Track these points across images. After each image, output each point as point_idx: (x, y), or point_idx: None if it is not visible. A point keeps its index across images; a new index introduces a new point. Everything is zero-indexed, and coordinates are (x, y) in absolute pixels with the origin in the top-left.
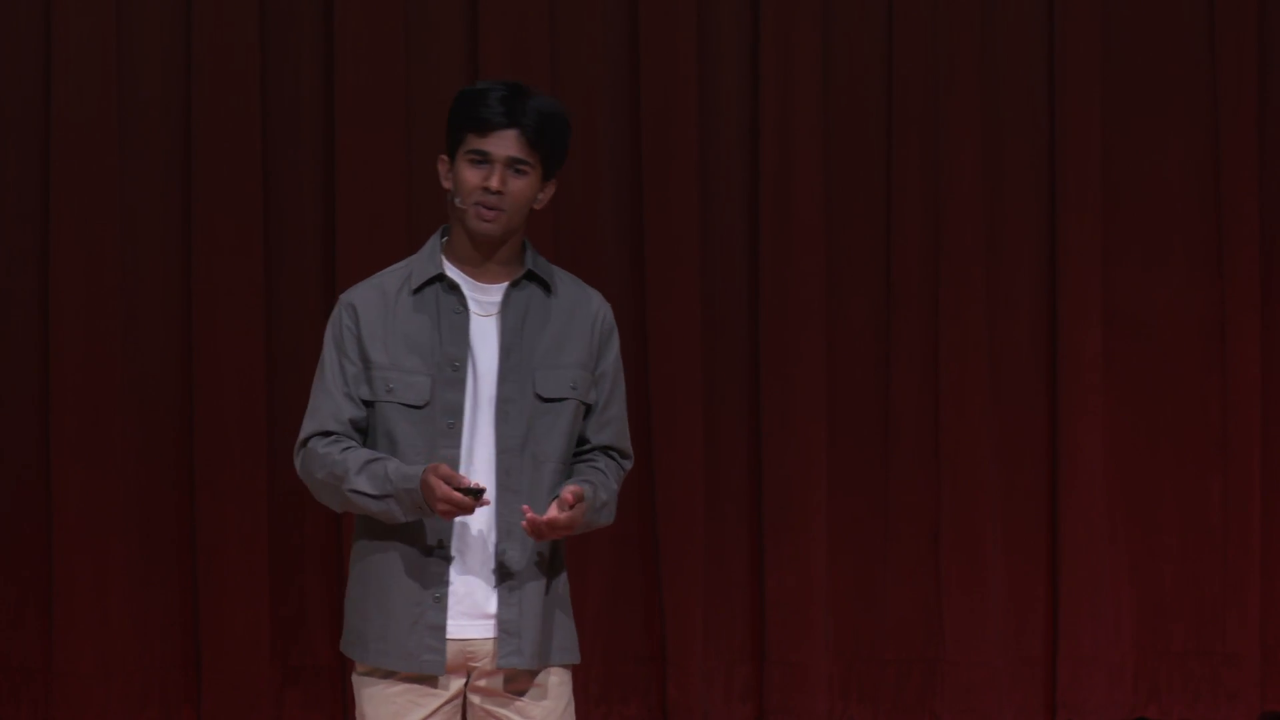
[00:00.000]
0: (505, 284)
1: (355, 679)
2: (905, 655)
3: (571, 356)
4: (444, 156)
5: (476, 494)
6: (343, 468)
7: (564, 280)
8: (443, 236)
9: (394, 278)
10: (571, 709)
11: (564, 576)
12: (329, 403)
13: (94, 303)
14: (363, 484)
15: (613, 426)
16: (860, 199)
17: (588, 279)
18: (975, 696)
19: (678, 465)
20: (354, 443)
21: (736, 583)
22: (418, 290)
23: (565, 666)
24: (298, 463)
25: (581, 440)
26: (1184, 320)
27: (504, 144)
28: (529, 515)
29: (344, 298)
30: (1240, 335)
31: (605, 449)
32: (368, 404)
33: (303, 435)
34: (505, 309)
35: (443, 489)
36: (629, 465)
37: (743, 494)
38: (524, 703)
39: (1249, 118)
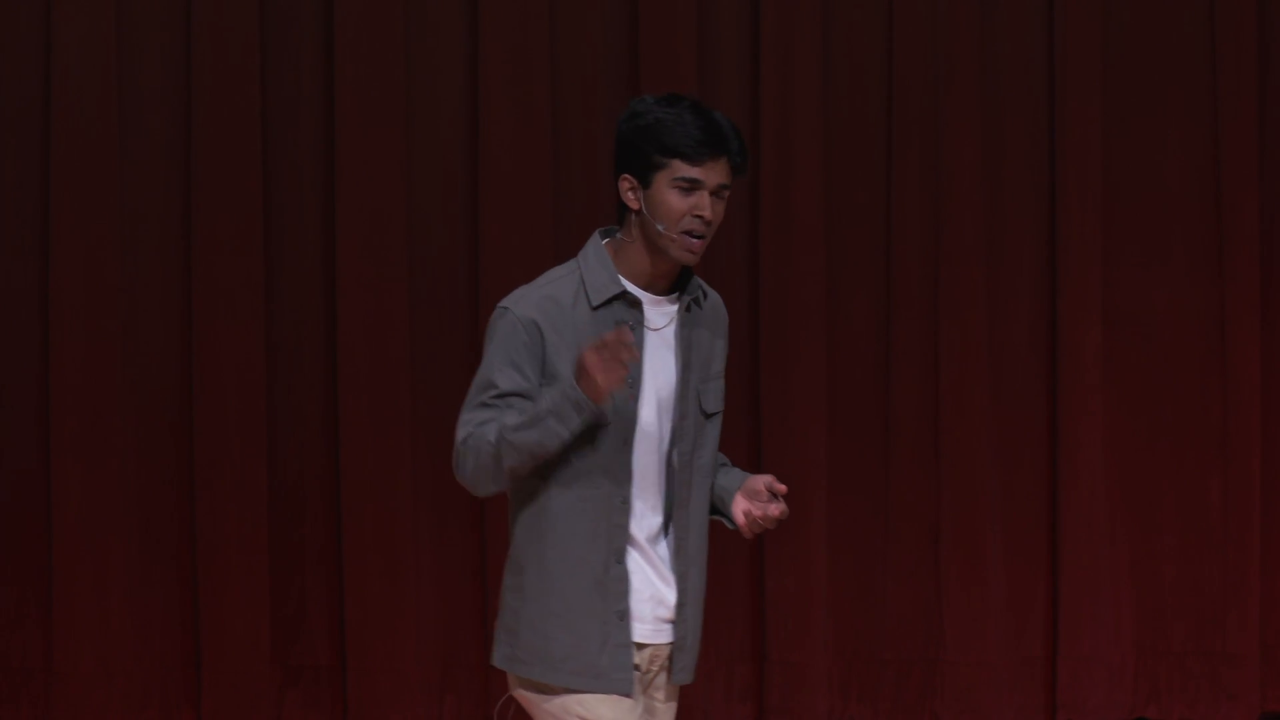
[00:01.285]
0: (674, 297)
1: (534, 694)
2: (905, 655)
3: (718, 366)
4: (628, 177)
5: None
6: (493, 428)
7: (708, 289)
8: (602, 239)
9: (564, 289)
10: None
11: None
12: (515, 382)
13: (94, 303)
14: (514, 420)
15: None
16: (860, 199)
17: None
18: (975, 696)
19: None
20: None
21: (736, 583)
22: (598, 307)
23: None
24: (456, 471)
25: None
26: (1184, 320)
27: (716, 173)
28: (748, 511)
29: (518, 311)
30: (1240, 335)
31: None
32: None
33: (461, 435)
34: (682, 326)
35: (593, 347)
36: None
37: None
38: (660, 707)
39: (1249, 118)
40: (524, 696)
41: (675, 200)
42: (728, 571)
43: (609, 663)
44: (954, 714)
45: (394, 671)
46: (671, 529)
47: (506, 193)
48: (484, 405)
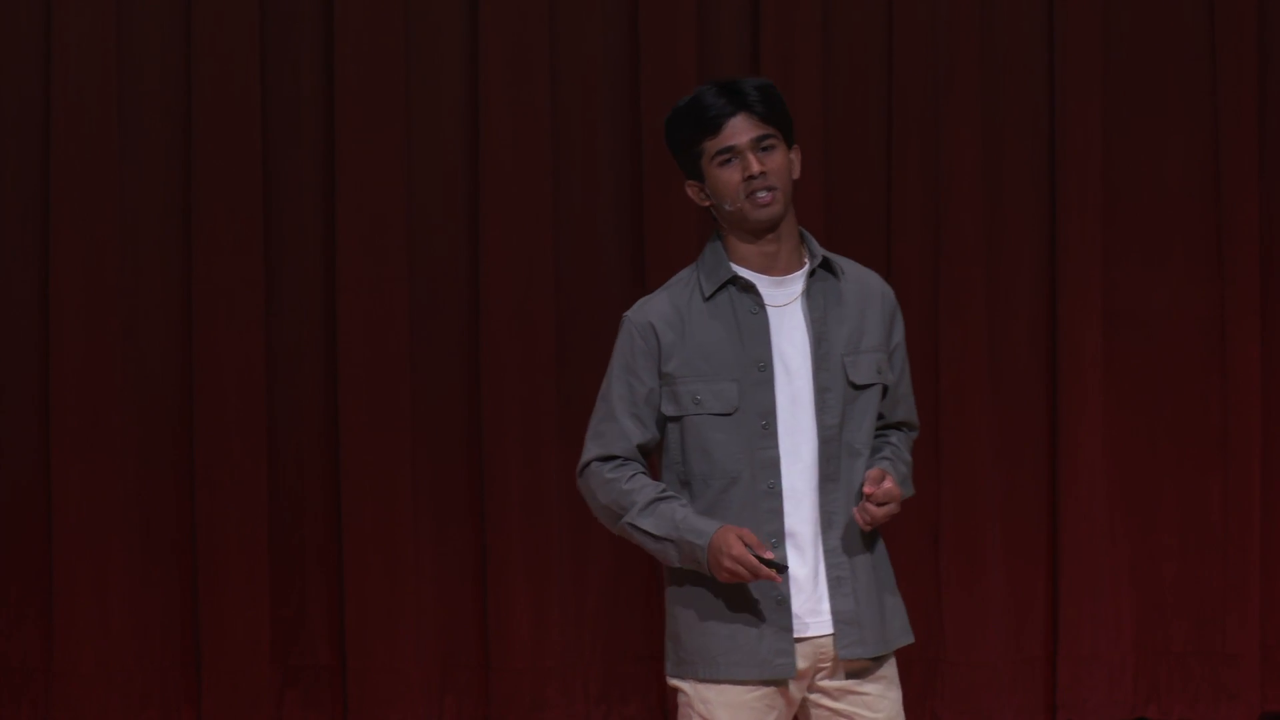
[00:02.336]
0: (799, 273)
1: (691, 690)
2: (905, 655)
3: (872, 340)
4: (691, 183)
5: (778, 568)
6: (628, 500)
7: (847, 264)
8: (716, 246)
9: (681, 289)
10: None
11: (887, 556)
12: (613, 427)
13: (94, 303)
14: (646, 523)
15: (905, 402)
16: (860, 199)
17: (588, 279)
18: (975, 696)
19: None
20: (640, 469)
21: None
22: (710, 296)
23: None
24: (580, 483)
25: (878, 417)
26: (1184, 320)
27: (742, 130)
28: (861, 508)
29: (633, 317)
30: (1240, 335)
31: (899, 424)
32: (674, 419)
33: (585, 458)
34: (809, 298)
35: (739, 549)
36: (916, 435)
37: None
38: (870, 696)
39: (1249, 118)
40: (688, 692)
41: (725, 175)
42: None
43: (768, 649)
44: (954, 714)
45: (394, 671)
46: (819, 505)
47: (506, 193)
48: (603, 442)
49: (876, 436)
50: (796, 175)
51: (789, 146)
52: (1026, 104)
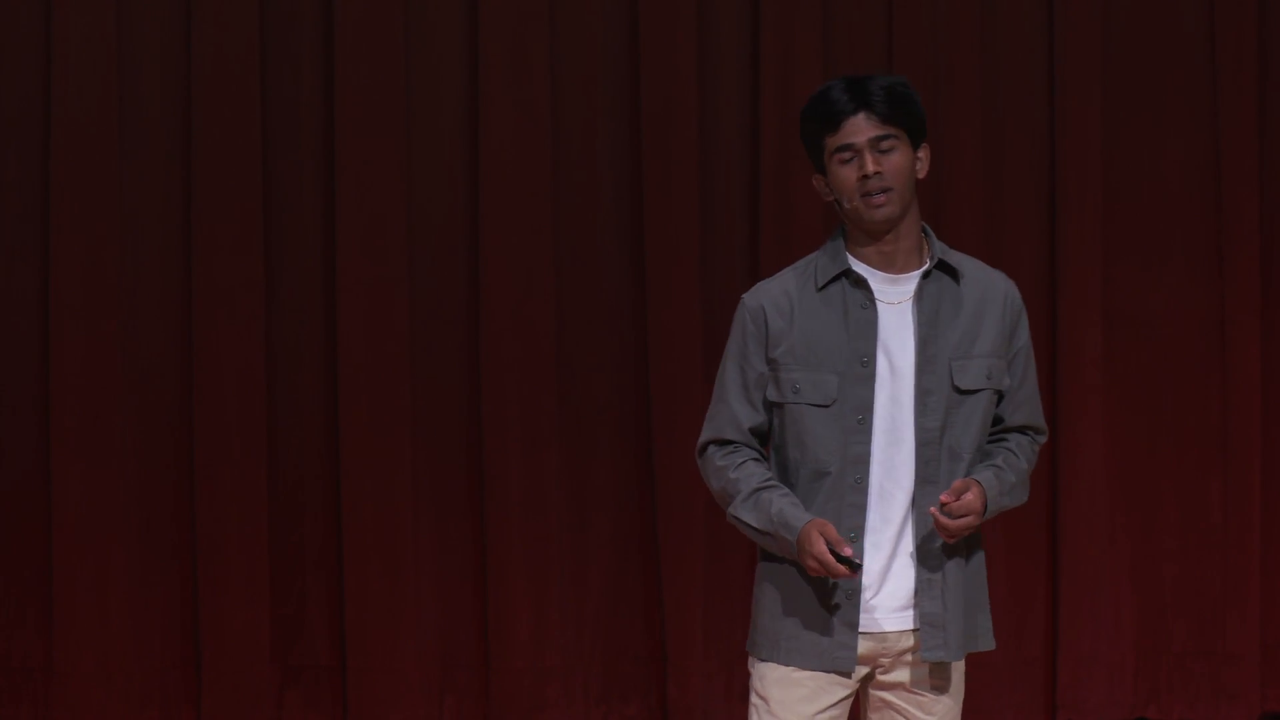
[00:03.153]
0: (915, 273)
1: (758, 665)
2: None
3: (986, 345)
4: (817, 175)
5: (853, 566)
6: (734, 489)
7: (970, 265)
8: (838, 238)
9: (796, 276)
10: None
11: (981, 560)
12: (725, 410)
13: (94, 303)
14: (747, 514)
15: (1027, 406)
16: None
17: (588, 279)
18: (975, 696)
19: (678, 465)
20: (752, 453)
21: (736, 583)
22: (823, 287)
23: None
24: (699, 465)
25: (996, 420)
26: (1184, 320)
27: (861, 129)
28: (935, 514)
29: (747, 300)
30: (1240, 335)
31: (1020, 428)
32: (776, 405)
33: (701, 440)
34: (920, 299)
35: (819, 547)
36: (1043, 439)
37: None
38: (930, 698)
39: (1249, 118)
40: (754, 665)
41: (843, 173)
42: (728, 571)
43: (833, 641)
44: None
45: (394, 671)
46: (912, 506)
47: (506, 193)
48: (715, 425)
49: (994, 440)
50: (922, 175)
51: (916, 146)
52: (1026, 104)
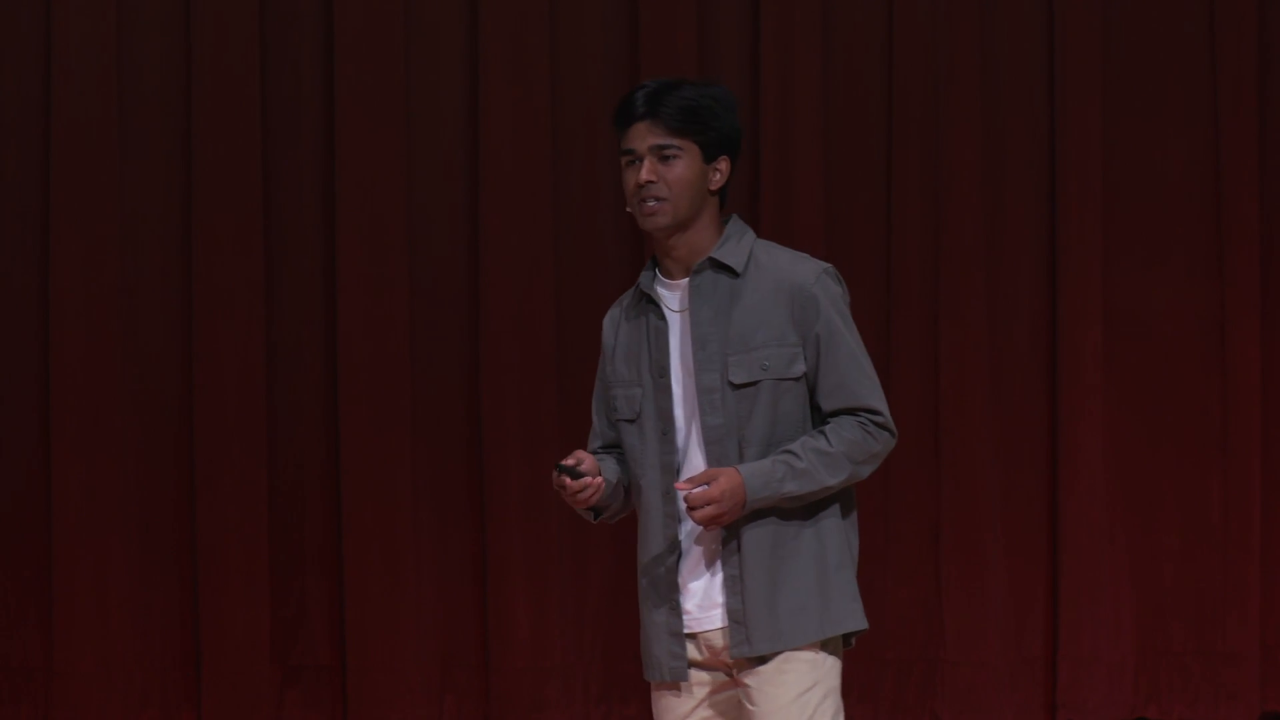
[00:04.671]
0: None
1: None
2: (905, 655)
3: (767, 336)
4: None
5: (566, 471)
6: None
7: (765, 258)
8: None
9: (630, 292)
10: (816, 694)
11: (819, 544)
12: (595, 424)
13: (94, 303)
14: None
15: (841, 391)
16: (860, 199)
17: (587, 279)
18: (975, 696)
19: None
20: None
21: None
22: (636, 303)
23: (810, 647)
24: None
25: (817, 407)
26: (1184, 320)
27: (642, 136)
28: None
29: (606, 318)
30: (1240, 335)
31: (844, 410)
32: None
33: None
34: (693, 300)
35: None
36: (878, 420)
37: None
38: (752, 689)
39: (1249, 118)
40: None
41: (626, 175)
42: None
43: (663, 652)
44: (954, 714)
45: (394, 671)
46: None
47: (506, 193)
48: (589, 441)
49: (824, 424)
50: (714, 187)
51: (712, 158)
52: (1026, 104)
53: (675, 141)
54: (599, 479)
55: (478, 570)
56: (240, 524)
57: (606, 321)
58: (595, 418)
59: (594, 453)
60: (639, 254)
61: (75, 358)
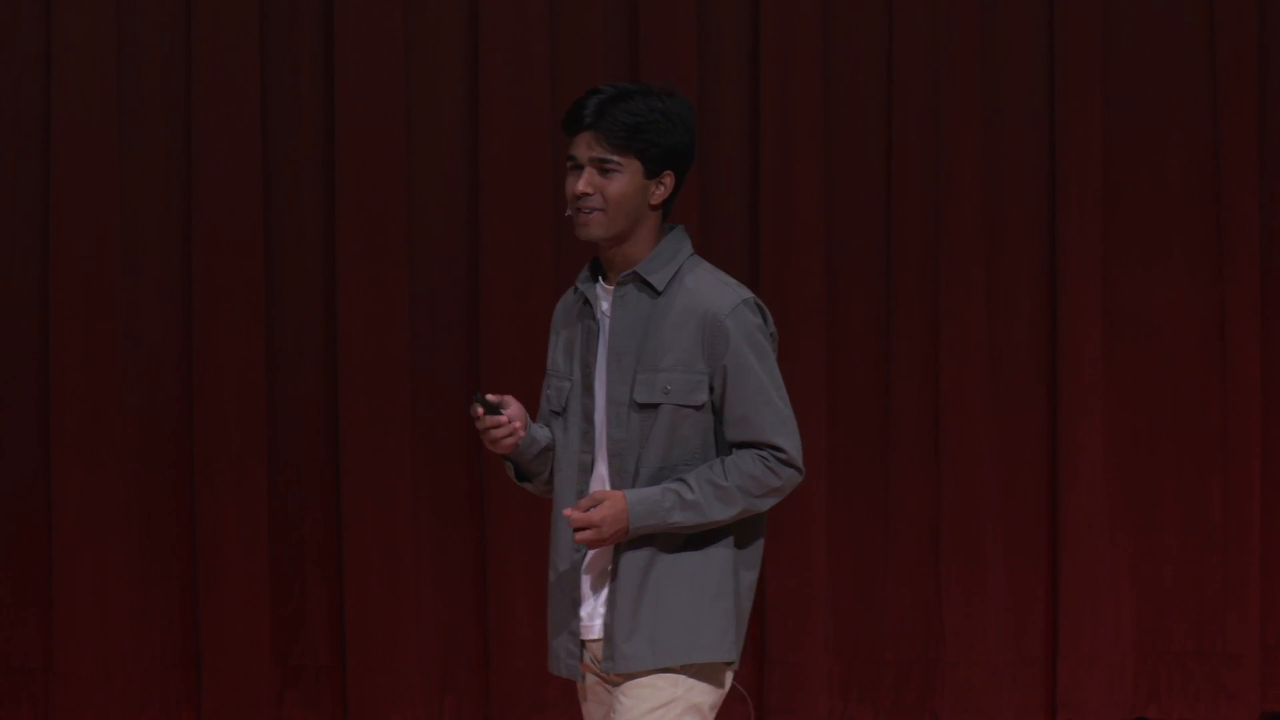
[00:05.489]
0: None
1: None
2: (905, 655)
3: (670, 359)
4: None
5: (482, 402)
6: None
7: (690, 280)
8: None
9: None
10: (674, 709)
11: (701, 572)
12: (541, 408)
13: (94, 303)
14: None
15: (744, 425)
16: (860, 199)
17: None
18: (975, 696)
19: None
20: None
21: None
22: (577, 299)
23: (678, 671)
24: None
25: (721, 437)
26: (1184, 320)
27: (585, 146)
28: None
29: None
30: (1240, 335)
31: (747, 444)
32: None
33: None
34: (616, 310)
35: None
36: (781, 456)
37: None
38: (617, 703)
39: (1249, 118)
40: None
41: (568, 181)
42: None
43: (561, 647)
44: (954, 714)
45: (394, 671)
46: None
47: (506, 193)
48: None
49: (733, 453)
50: (655, 202)
51: (654, 174)
52: (1026, 104)
53: (616, 157)
54: (516, 424)
55: (478, 570)
56: (240, 524)
57: (559, 308)
58: (542, 402)
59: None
60: None
61: (75, 358)
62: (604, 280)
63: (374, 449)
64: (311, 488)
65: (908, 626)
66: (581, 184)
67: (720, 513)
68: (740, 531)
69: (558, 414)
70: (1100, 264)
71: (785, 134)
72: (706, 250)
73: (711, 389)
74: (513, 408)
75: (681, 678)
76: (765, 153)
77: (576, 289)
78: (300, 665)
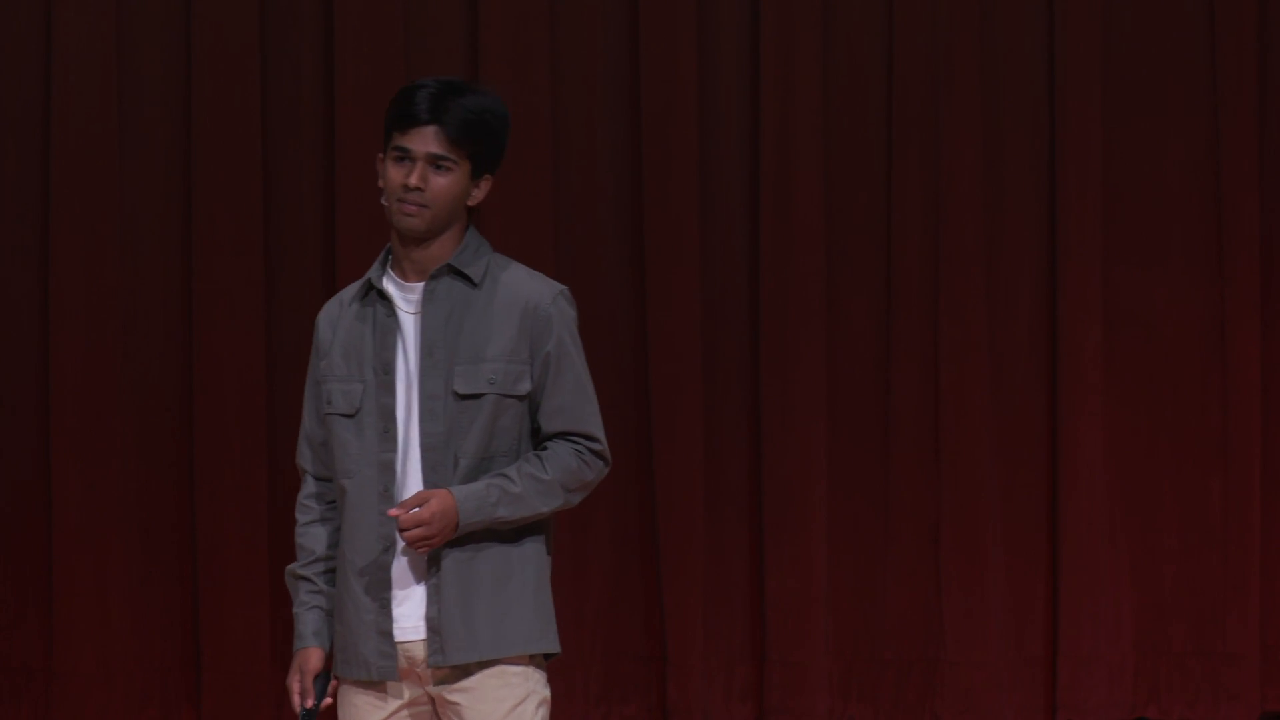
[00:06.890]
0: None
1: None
2: (905, 655)
3: (494, 349)
4: (380, 155)
5: (306, 713)
6: (296, 554)
7: (503, 273)
8: (393, 239)
9: (353, 288)
10: (530, 705)
11: (520, 564)
12: (303, 428)
13: (94, 303)
14: (291, 588)
15: (563, 414)
16: (860, 200)
17: (588, 279)
18: (975, 696)
19: (678, 465)
20: (320, 508)
21: (736, 583)
22: (361, 298)
23: (519, 661)
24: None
25: (538, 431)
26: (1184, 320)
27: (425, 141)
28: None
29: (320, 312)
30: (1240, 335)
31: (562, 435)
32: (325, 417)
33: (297, 459)
34: (426, 305)
35: (293, 681)
36: (596, 447)
37: (743, 494)
38: (461, 705)
39: (1249, 118)
40: None
41: (393, 172)
42: (728, 571)
43: (371, 650)
44: (954, 714)
45: None
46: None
47: (506, 192)
48: (300, 448)
49: (542, 447)
50: (473, 203)
51: (478, 175)
52: (1026, 104)
53: (452, 155)
54: (333, 685)
55: None
56: (240, 524)
57: (322, 319)
58: (306, 417)
59: (308, 485)
60: (639, 254)
61: (75, 358)
62: (399, 277)
63: None
64: None
65: (908, 626)
66: (415, 178)
67: (541, 506)
68: (545, 527)
69: (348, 416)
70: (1100, 264)
71: (785, 134)
72: (706, 251)
73: (530, 378)
74: (323, 690)
75: (526, 669)
76: (765, 153)
77: (366, 287)
78: None
